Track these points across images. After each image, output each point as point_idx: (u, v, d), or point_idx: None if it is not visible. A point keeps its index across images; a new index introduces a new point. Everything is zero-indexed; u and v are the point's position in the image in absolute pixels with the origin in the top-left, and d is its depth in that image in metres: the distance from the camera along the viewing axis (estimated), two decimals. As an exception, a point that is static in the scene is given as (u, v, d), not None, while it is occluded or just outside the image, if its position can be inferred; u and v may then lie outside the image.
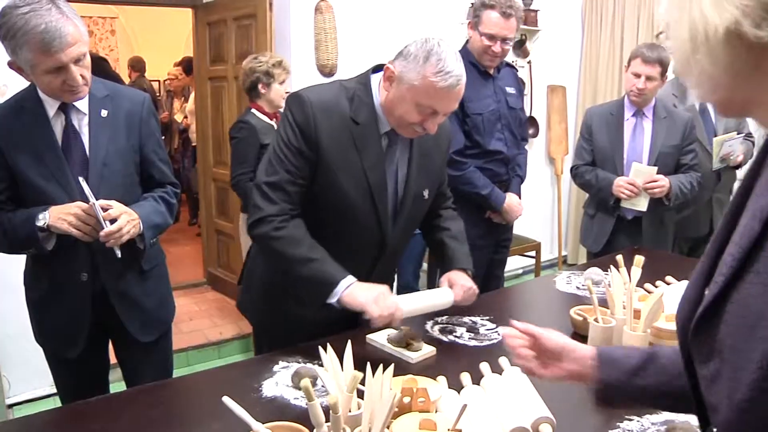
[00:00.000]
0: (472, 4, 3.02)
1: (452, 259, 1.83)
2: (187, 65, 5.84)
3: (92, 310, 1.80)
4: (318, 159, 1.59)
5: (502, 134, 2.78)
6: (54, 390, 3.10)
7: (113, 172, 1.75)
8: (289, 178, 1.59)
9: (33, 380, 3.07)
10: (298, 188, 1.61)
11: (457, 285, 1.73)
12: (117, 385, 3.41)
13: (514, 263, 4.69)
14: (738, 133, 3.12)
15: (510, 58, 3.83)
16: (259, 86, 2.96)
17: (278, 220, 1.58)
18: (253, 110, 3.00)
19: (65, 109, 1.70)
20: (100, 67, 4.49)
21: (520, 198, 2.91)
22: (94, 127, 1.73)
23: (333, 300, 1.55)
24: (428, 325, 1.81)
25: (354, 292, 1.54)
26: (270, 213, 1.58)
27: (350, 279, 1.56)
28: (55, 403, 3.03)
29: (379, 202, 1.66)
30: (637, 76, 2.76)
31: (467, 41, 2.77)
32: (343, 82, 1.68)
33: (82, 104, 1.72)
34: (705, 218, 3.22)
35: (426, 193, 1.76)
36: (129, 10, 8.00)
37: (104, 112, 1.74)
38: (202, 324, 3.97)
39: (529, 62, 4.85)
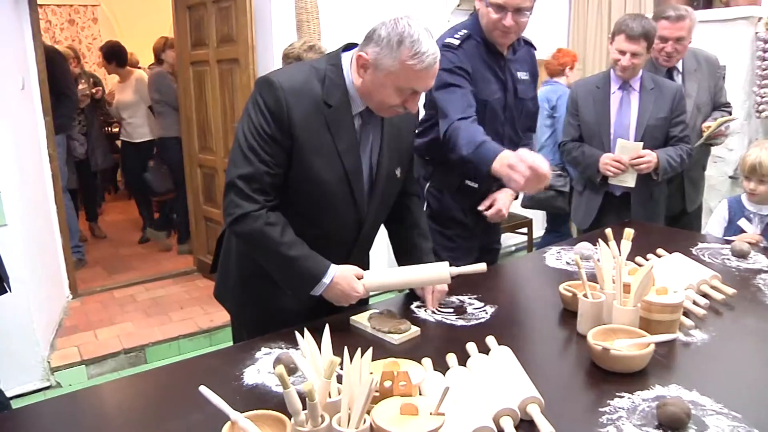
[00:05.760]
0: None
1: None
2: (107, 52, 5.18)
3: None
4: (292, 145, 1.54)
5: (502, 129, 2.30)
6: (44, 384, 3.10)
7: None
8: (265, 169, 1.53)
9: (21, 375, 3.05)
10: (274, 179, 1.56)
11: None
12: (102, 378, 3.38)
13: (506, 241, 4.66)
14: (714, 106, 3.08)
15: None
16: None
17: (261, 216, 1.55)
18: None
19: None
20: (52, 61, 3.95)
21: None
22: None
23: (317, 293, 1.61)
24: (414, 305, 1.77)
25: (330, 288, 1.60)
26: (249, 210, 1.54)
27: (330, 273, 1.59)
28: (45, 396, 3.01)
29: (355, 184, 1.62)
30: (622, 53, 2.65)
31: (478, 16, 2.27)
32: (312, 63, 1.63)
33: None
34: (678, 195, 3.15)
35: (398, 172, 1.74)
36: (110, -4, 7.89)
37: None
38: (193, 312, 3.93)
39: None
